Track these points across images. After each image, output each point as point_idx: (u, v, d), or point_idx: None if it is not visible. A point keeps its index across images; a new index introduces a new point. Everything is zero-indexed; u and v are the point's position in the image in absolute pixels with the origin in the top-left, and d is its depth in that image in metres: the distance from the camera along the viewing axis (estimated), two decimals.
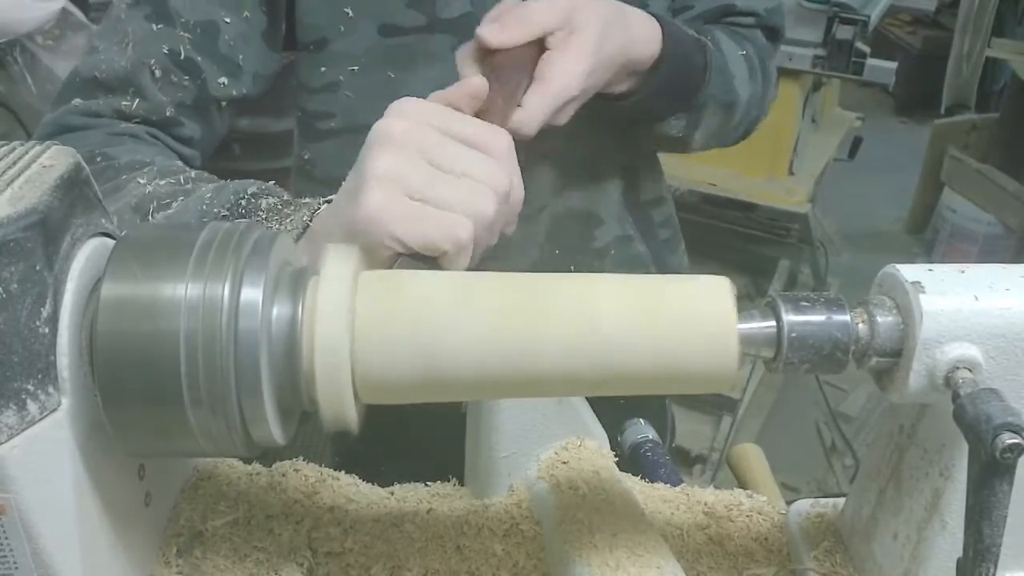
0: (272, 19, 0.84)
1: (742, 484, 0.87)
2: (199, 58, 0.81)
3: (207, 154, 0.91)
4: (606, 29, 0.72)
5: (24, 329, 0.45)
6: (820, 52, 2.24)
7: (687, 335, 0.48)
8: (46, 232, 0.46)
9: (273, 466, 0.67)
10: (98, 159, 0.76)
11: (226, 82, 0.84)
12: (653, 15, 0.78)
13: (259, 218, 0.67)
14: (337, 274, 0.47)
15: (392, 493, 0.67)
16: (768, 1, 0.98)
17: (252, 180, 0.72)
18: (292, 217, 0.66)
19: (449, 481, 0.70)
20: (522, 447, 0.66)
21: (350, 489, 0.66)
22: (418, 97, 0.63)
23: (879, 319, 0.49)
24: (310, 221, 0.64)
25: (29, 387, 0.45)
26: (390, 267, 0.58)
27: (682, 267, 1.05)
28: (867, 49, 2.29)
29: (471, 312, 0.48)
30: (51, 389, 0.46)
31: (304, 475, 0.66)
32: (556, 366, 0.48)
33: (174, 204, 0.70)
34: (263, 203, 0.68)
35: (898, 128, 4.55)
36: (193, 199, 0.70)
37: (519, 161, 0.64)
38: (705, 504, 0.67)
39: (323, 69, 0.87)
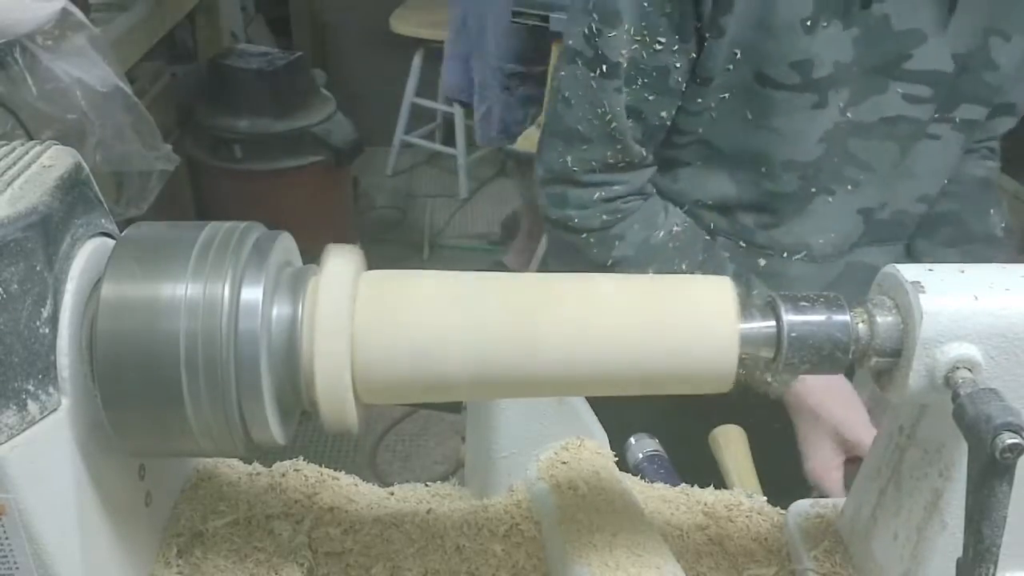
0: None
1: (722, 466, 0.87)
2: (651, 96, 0.91)
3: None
4: None
5: (24, 329, 0.45)
6: None
7: (687, 335, 0.48)
8: (46, 232, 0.46)
9: (273, 466, 0.67)
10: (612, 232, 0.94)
11: (666, 113, 0.94)
12: None
13: None
14: (337, 274, 0.47)
15: (392, 493, 0.67)
16: None
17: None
18: None
19: (449, 481, 0.70)
20: (522, 447, 0.66)
21: (350, 489, 0.66)
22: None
23: (879, 319, 0.49)
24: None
25: (29, 387, 0.45)
26: None
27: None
28: None
29: (471, 312, 0.48)
30: (51, 389, 0.46)
31: (304, 475, 0.66)
32: (556, 366, 0.48)
33: None
34: None
35: None
36: None
37: None
38: (705, 504, 0.67)
39: (702, 94, 0.93)
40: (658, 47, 0.88)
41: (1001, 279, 0.49)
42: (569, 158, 0.93)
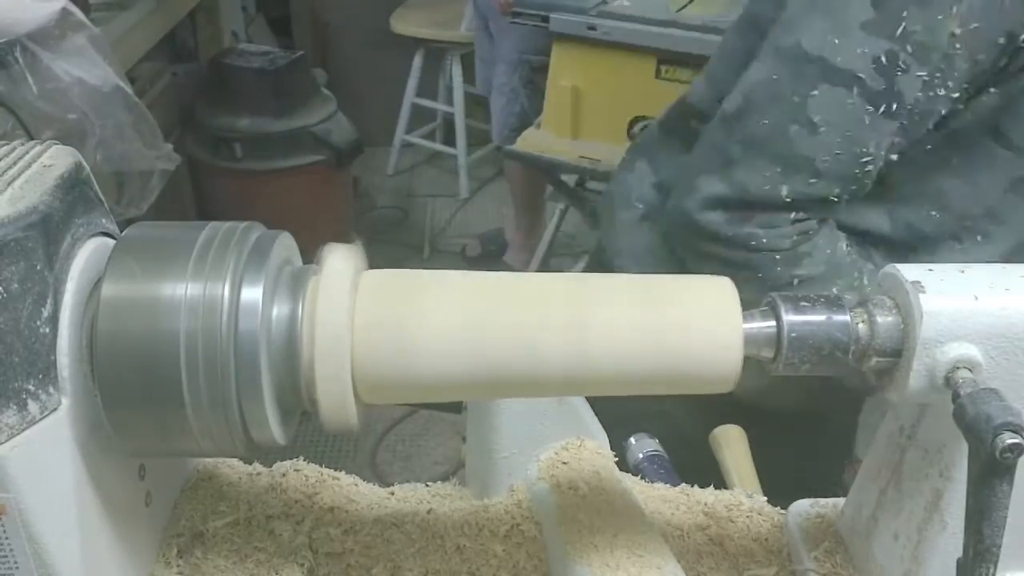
0: None
1: (723, 466, 0.87)
2: (897, 140, 0.83)
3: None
4: None
5: (24, 329, 0.44)
6: None
7: (690, 336, 0.48)
8: (46, 232, 0.46)
9: (273, 466, 0.67)
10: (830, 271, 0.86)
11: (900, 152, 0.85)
12: None
13: None
14: (337, 274, 0.47)
15: (392, 493, 0.67)
16: None
17: None
18: None
19: (449, 481, 0.70)
20: (522, 447, 0.66)
21: (350, 489, 0.66)
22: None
23: (879, 319, 0.49)
24: None
25: (29, 387, 0.45)
26: None
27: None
28: None
29: (472, 312, 0.48)
30: (51, 389, 0.46)
31: (304, 475, 0.66)
32: (557, 366, 0.48)
33: None
34: None
35: None
36: None
37: None
38: (705, 504, 0.67)
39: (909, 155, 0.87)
40: (940, 92, 0.79)
41: (1001, 279, 0.49)
42: (785, 188, 0.82)
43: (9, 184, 0.46)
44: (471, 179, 3.78)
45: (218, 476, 0.65)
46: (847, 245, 0.90)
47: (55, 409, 0.46)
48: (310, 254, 0.51)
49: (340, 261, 0.48)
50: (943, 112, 0.81)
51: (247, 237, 0.48)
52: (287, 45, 3.51)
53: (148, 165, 1.75)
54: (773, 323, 0.48)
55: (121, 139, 1.64)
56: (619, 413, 0.70)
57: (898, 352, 0.48)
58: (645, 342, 0.48)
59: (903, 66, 0.77)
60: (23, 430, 0.45)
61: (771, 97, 0.82)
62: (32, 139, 0.54)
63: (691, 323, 0.48)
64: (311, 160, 2.70)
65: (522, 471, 0.66)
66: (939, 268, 0.50)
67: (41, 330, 0.46)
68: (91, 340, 0.47)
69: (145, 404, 0.46)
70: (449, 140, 3.87)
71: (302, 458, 0.67)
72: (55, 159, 0.49)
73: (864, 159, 0.80)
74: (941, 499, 0.52)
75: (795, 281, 0.87)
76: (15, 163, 0.48)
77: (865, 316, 0.49)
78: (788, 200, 0.82)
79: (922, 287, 0.48)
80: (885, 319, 0.49)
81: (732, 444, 0.88)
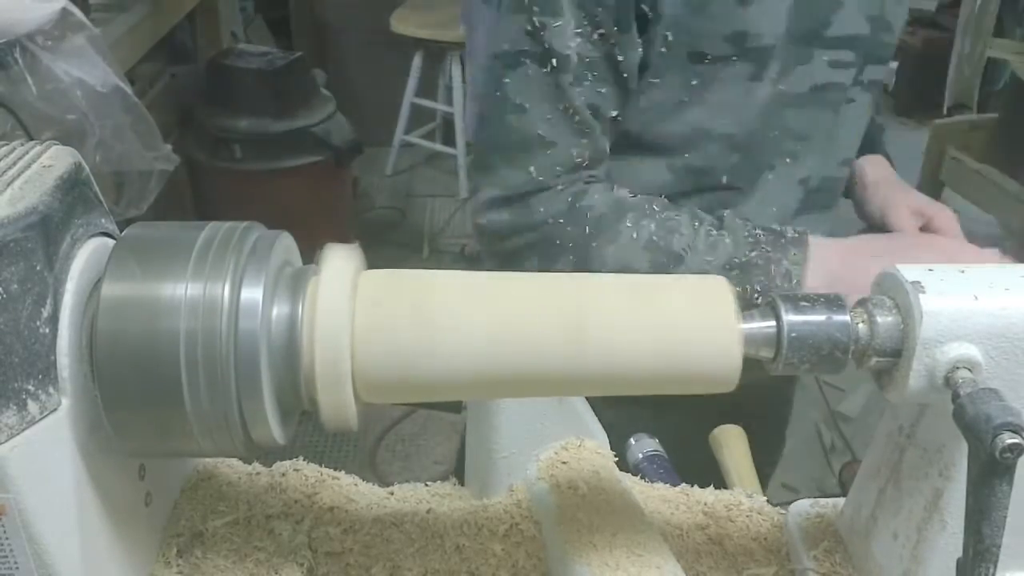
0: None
1: (723, 466, 0.87)
2: (603, 90, 0.88)
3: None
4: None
5: (24, 329, 0.45)
6: None
7: (688, 336, 0.48)
8: (46, 232, 0.46)
9: (273, 466, 0.67)
10: (586, 218, 0.88)
11: (618, 110, 0.90)
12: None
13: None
14: (337, 274, 0.47)
15: (392, 493, 0.67)
16: None
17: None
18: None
19: (449, 481, 0.70)
20: (522, 447, 0.66)
21: (350, 489, 0.66)
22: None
23: (879, 319, 0.49)
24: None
25: (29, 387, 0.45)
26: None
27: None
28: None
29: (471, 312, 0.48)
30: (51, 389, 0.46)
31: (304, 475, 0.66)
32: (556, 366, 0.48)
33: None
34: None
35: (898, 128, 4.54)
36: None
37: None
38: (705, 504, 0.67)
39: (640, 87, 0.91)
40: (598, 37, 0.85)
41: (1001, 279, 0.49)
42: (533, 168, 0.88)
43: (9, 184, 0.46)
44: (471, 179, 3.77)
45: (218, 476, 0.65)
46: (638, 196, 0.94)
47: (55, 409, 0.46)
48: (310, 254, 0.51)
49: (340, 261, 0.48)
50: (621, 58, 0.86)
51: (247, 237, 0.48)
52: (286, 46, 3.52)
53: (147, 166, 1.75)
54: (773, 323, 0.48)
55: (120, 140, 1.64)
56: (619, 413, 0.70)
57: (898, 352, 0.49)
58: (645, 342, 0.48)
59: (542, 25, 0.84)
60: (23, 430, 0.45)
61: (484, 105, 0.90)
62: (32, 139, 0.54)
63: (691, 323, 0.48)
64: (310, 160, 2.70)
65: (522, 471, 0.66)
66: (939, 268, 0.50)
67: (41, 330, 0.46)
68: (91, 340, 0.47)
69: (145, 404, 0.46)
70: (448, 140, 3.87)
71: (302, 458, 0.67)
72: (55, 159, 0.49)
73: (571, 111, 0.87)
74: (940, 499, 0.52)
75: (587, 230, 0.89)
76: (15, 163, 0.48)
77: (865, 316, 0.49)
78: (541, 177, 0.89)
79: (922, 287, 0.48)
80: (885, 319, 0.49)
81: (732, 444, 0.88)
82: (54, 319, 0.46)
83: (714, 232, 0.88)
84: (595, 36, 0.85)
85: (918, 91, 4.26)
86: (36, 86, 1.46)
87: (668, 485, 0.70)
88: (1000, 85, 3.84)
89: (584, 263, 0.88)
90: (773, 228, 0.88)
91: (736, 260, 0.85)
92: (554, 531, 0.60)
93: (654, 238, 0.87)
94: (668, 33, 0.86)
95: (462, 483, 0.71)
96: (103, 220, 0.53)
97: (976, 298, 0.48)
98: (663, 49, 0.87)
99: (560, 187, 0.89)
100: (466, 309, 0.48)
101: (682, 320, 0.48)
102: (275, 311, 0.47)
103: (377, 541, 0.62)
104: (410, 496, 0.67)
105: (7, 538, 0.46)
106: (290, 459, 0.67)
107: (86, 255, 0.49)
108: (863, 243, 0.91)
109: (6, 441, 0.44)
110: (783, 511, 0.66)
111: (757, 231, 0.87)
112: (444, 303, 0.48)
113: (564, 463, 0.66)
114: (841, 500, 0.64)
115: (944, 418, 0.47)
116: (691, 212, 0.90)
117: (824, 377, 2.45)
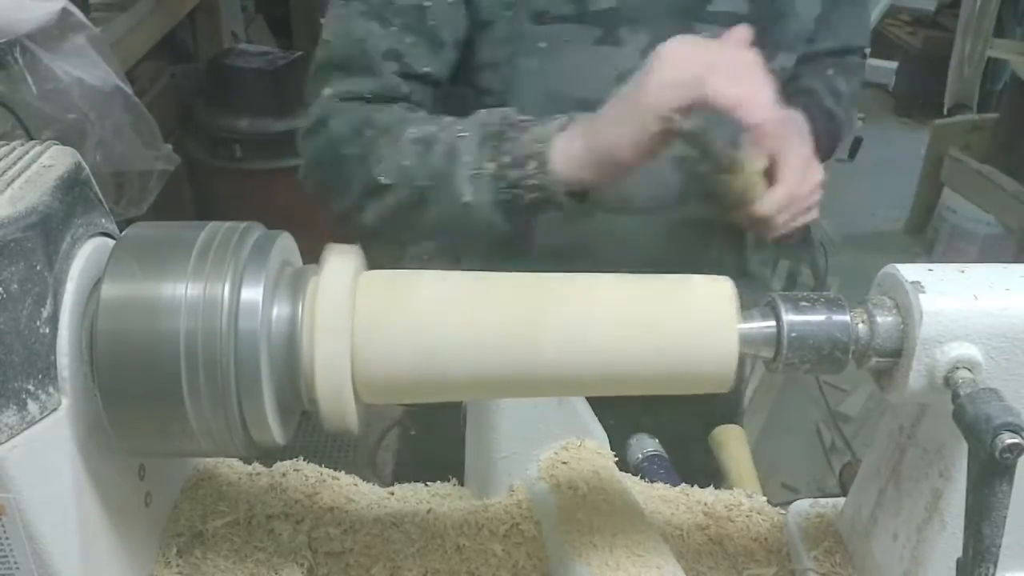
0: None
1: (723, 466, 0.87)
2: (409, 39, 0.88)
3: None
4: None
5: (24, 329, 0.45)
6: None
7: (687, 335, 0.48)
8: (46, 232, 0.46)
9: (273, 466, 0.67)
10: (366, 131, 0.87)
11: (434, 68, 0.90)
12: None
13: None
14: (337, 274, 0.47)
15: (392, 493, 0.67)
16: (868, 35, 1.12)
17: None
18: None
19: (449, 481, 0.70)
20: (522, 447, 0.66)
21: (350, 489, 0.66)
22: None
23: (879, 319, 0.49)
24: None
25: (29, 387, 0.45)
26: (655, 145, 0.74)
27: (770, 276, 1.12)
28: (867, 49, 2.28)
29: (471, 312, 0.48)
30: (51, 389, 0.46)
31: (304, 475, 0.66)
32: (555, 366, 0.48)
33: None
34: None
35: (898, 128, 4.54)
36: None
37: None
38: (705, 504, 0.67)
39: (488, 49, 0.91)
40: None
41: (1001, 279, 0.49)
42: (328, 90, 0.88)
43: (9, 184, 0.46)
44: None
45: (218, 476, 0.65)
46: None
47: (55, 409, 0.46)
48: (310, 254, 0.51)
49: (340, 261, 0.48)
50: (428, 4, 0.86)
51: (247, 237, 0.48)
52: (286, 45, 3.51)
53: (147, 165, 1.75)
54: (773, 323, 0.48)
55: (120, 139, 1.64)
56: (619, 413, 0.70)
57: (898, 352, 0.49)
58: (643, 341, 0.48)
59: None
60: (23, 430, 0.45)
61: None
62: (32, 139, 0.54)
63: (689, 323, 0.48)
64: None
65: (522, 471, 0.66)
66: (939, 268, 0.50)
67: (41, 330, 0.46)
68: (91, 340, 0.47)
69: (145, 404, 0.46)
70: None
71: (302, 458, 0.67)
72: (55, 159, 0.49)
73: (360, 42, 0.87)
74: (941, 499, 0.52)
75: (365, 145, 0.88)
76: (15, 163, 0.48)
77: (865, 316, 0.49)
78: (335, 100, 0.89)
79: (922, 287, 0.48)
80: (885, 319, 0.49)
81: (732, 444, 0.88)
82: (54, 319, 0.46)
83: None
84: None
85: (918, 91, 4.27)
86: (36, 86, 1.46)
87: (668, 485, 0.70)
88: (1000, 85, 3.84)
89: (367, 170, 0.87)
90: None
91: (488, 129, 0.81)
92: (554, 531, 0.60)
93: (414, 130, 0.85)
94: None
95: (462, 483, 0.71)
96: (103, 220, 0.53)
97: (976, 298, 0.48)
98: (508, 12, 0.86)
99: (347, 113, 0.88)
100: (466, 310, 0.48)
101: (680, 320, 0.48)
102: (275, 311, 0.47)
103: (377, 541, 0.62)
104: (410, 496, 0.67)
105: (7, 538, 0.46)
106: (290, 459, 0.67)
107: (86, 255, 0.49)
108: (607, 107, 0.79)
109: (6, 441, 0.44)
110: (783, 511, 0.66)
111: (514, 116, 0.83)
112: (444, 304, 0.48)
113: (564, 463, 0.66)
114: (841, 500, 0.64)
115: (944, 418, 0.47)
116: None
117: (824, 377, 2.45)
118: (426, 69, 0.89)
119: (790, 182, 0.81)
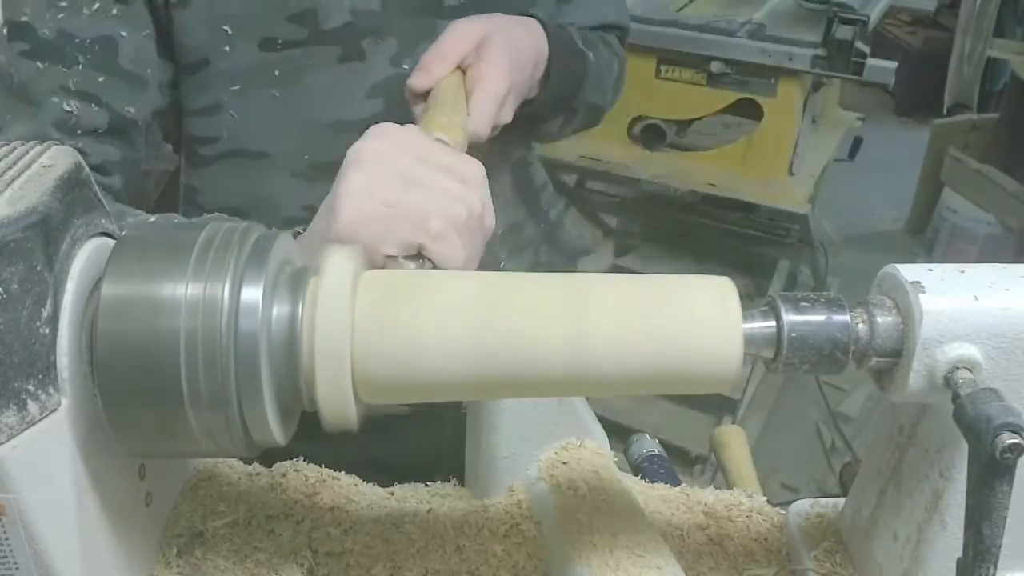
0: (160, 32, 0.83)
1: (723, 466, 0.87)
2: (101, 78, 0.79)
3: (136, 174, 0.92)
4: (511, 36, 0.79)
5: (24, 329, 0.45)
6: (820, 52, 2.23)
7: (689, 336, 0.48)
8: (46, 232, 0.46)
9: (273, 466, 0.67)
10: None
11: (134, 99, 0.82)
12: (543, 25, 0.86)
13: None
14: (337, 274, 0.47)
15: (392, 493, 0.67)
16: (627, 14, 1.09)
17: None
18: None
19: (449, 481, 0.70)
20: (522, 448, 0.66)
21: (350, 489, 0.66)
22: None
23: (879, 319, 0.49)
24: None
25: (29, 387, 0.45)
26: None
27: (575, 239, 1.11)
28: (867, 49, 2.28)
29: (471, 312, 0.48)
30: (51, 389, 0.46)
31: (304, 475, 0.66)
32: (556, 366, 0.48)
33: None
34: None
35: (898, 128, 4.54)
36: None
37: None
38: (705, 504, 0.67)
39: (206, 91, 0.85)
40: (89, 12, 0.76)
41: (1001, 279, 0.49)
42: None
43: (8, 185, 0.46)
44: None
45: (218, 476, 0.65)
46: None
47: (55, 409, 0.46)
48: None
49: (340, 261, 0.48)
50: (124, 33, 0.79)
51: (247, 237, 0.48)
52: None
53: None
54: (773, 323, 0.48)
55: None
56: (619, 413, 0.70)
57: (898, 352, 0.49)
58: (645, 342, 0.48)
59: None
60: (23, 430, 0.45)
61: None
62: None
63: (691, 323, 0.48)
64: None
65: (522, 471, 0.67)
66: (939, 268, 0.50)
67: (41, 330, 0.46)
68: (91, 340, 0.47)
69: (145, 404, 0.46)
70: None
71: (302, 458, 0.67)
72: (55, 159, 0.49)
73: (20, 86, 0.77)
74: (941, 499, 0.52)
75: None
76: (14, 163, 0.48)
77: (865, 316, 0.49)
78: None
79: (922, 287, 0.48)
80: (885, 319, 0.49)
81: (732, 444, 0.89)
82: (54, 319, 0.46)
83: None
84: (84, 10, 0.77)
85: (918, 91, 4.26)
86: None
87: (668, 485, 0.70)
88: (1000, 85, 3.84)
89: None
90: None
91: None
92: (554, 531, 0.60)
93: None
94: (226, 27, 0.80)
95: (462, 483, 0.71)
96: (103, 220, 0.53)
97: (976, 298, 0.48)
98: (227, 48, 0.81)
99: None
100: (466, 310, 0.48)
101: (682, 320, 0.48)
102: (275, 311, 0.47)
103: (377, 541, 0.62)
104: (410, 496, 0.67)
105: (7, 538, 0.46)
106: (290, 459, 0.67)
107: (86, 255, 0.49)
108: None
109: (6, 441, 0.44)
110: (783, 511, 0.66)
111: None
112: (445, 304, 0.48)
113: (564, 463, 0.66)
114: (841, 500, 0.64)
115: (944, 418, 0.47)
116: None
117: (824, 377, 2.45)
118: (132, 112, 0.82)
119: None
